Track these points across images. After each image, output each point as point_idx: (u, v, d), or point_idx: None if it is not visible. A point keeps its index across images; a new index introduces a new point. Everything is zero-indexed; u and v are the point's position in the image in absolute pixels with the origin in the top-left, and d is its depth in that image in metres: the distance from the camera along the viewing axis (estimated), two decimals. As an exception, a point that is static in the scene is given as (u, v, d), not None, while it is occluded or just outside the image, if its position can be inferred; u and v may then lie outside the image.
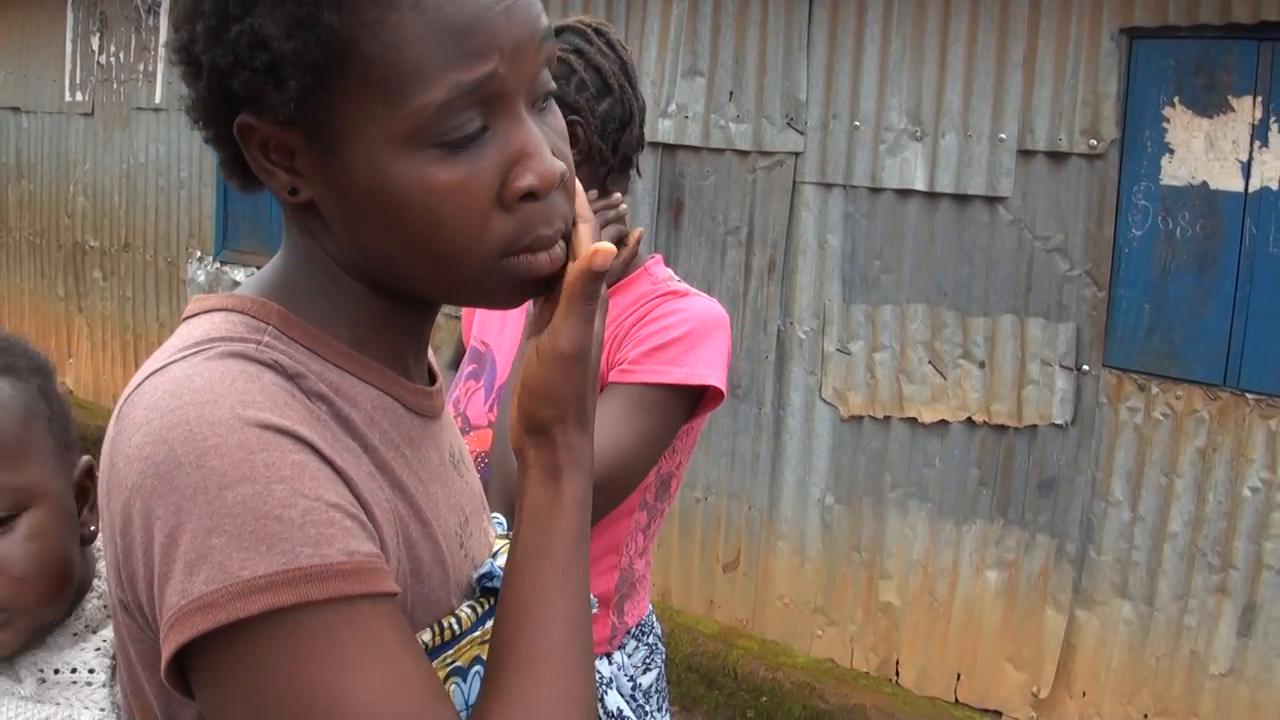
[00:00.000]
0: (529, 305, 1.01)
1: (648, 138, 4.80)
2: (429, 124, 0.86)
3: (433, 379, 1.09)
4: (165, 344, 0.94)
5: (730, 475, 4.90)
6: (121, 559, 0.85)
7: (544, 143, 0.92)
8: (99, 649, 1.18)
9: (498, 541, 1.14)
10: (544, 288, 0.97)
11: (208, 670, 0.81)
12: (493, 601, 1.02)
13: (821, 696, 4.48)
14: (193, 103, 0.92)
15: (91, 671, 1.16)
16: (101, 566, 1.27)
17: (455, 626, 0.98)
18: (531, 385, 0.96)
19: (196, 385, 0.84)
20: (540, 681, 0.90)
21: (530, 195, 0.91)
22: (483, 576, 1.04)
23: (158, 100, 7.22)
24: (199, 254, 7.01)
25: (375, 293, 0.97)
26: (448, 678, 0.97)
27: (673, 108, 4.84)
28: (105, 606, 1.23)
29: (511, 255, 0.92)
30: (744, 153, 4.72)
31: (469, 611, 1.01)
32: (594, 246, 0.94)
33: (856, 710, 4.40)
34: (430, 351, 1.11)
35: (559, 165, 0.92)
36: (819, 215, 4.59)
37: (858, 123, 4.47)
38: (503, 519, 1.23)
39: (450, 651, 0.98)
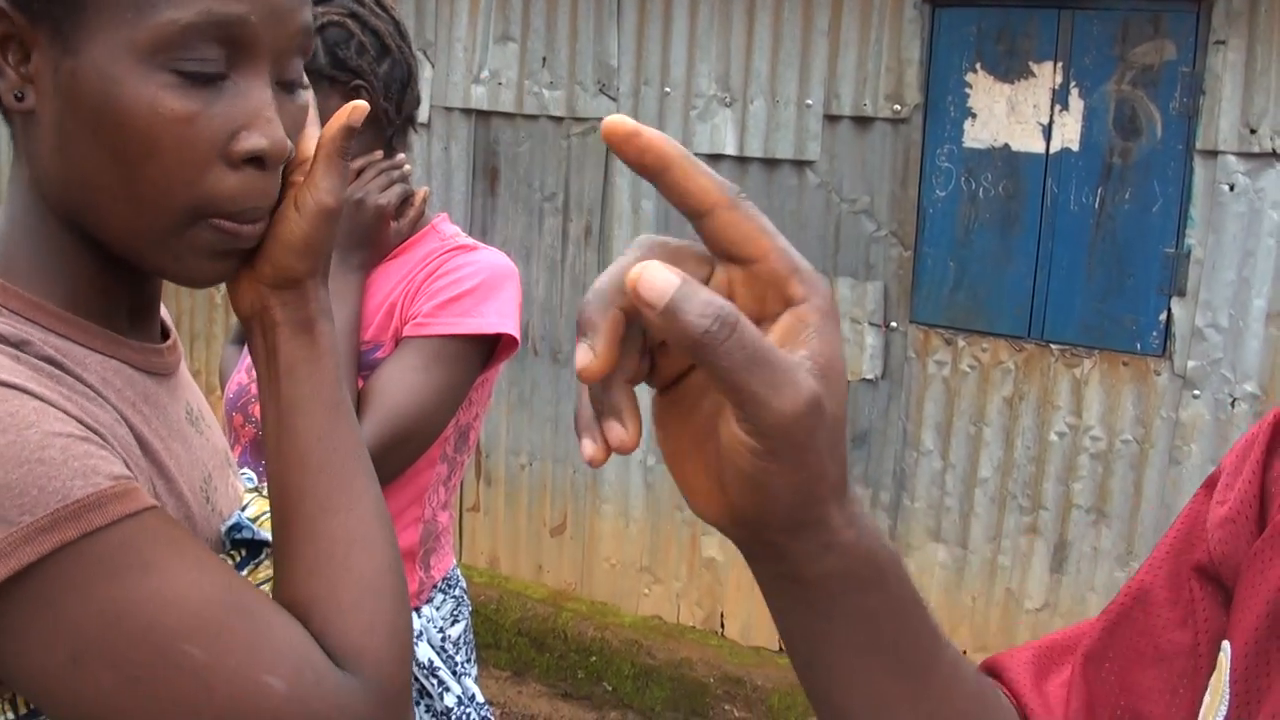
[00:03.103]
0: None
1: (461, 104, 4.64)
2: (171, 42, 0.82)
3: (166, 336, 1.03)
4: None
5: (554, 440, 4.71)
6: None
7: (278, 114, 0.88)
8: None
9: (247, 495, 1.10)
10: (231, 268, 0.92)
11: (3, 623, 0.78)
12: (243, 553, 1.02)
13: (649, 653, 4.37)
14: None
15: None
16: None
17: None
18: (289, 240, 0.90)
19: None
20: (343, 517, 0.90)
21: (257, 160, 0.86)
22: (231, 529, 1.01)
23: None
24: None
25: (83, 242, 0.90)
26: None
27: (485, 74, 4.58)
28: None
29: (222, 216, 0.87)
30: (558, 119, 4.50)
31: None
32: (353, 103, 0.90)
33: (684, 663, 4.31)
34: (165, 311, 1.06)
35: (289, 142, 0.88)
36: (633, 180, 4.40)
37: (668, 89, 4.32)
38: (253, 474, 1.19)
39: None
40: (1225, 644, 0.64)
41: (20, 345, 0.84)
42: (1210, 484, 0.73)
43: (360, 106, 0.90)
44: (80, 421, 0.81)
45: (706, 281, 0.59)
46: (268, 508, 1.05)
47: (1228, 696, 0.61)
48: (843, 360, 0.58)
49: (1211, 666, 0.67)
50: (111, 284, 0.94)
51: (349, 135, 0.90)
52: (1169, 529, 0.76)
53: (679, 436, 0.63)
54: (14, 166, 0.92)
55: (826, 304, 0.59)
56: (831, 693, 0.70)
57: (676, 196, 0.58)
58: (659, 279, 0.51)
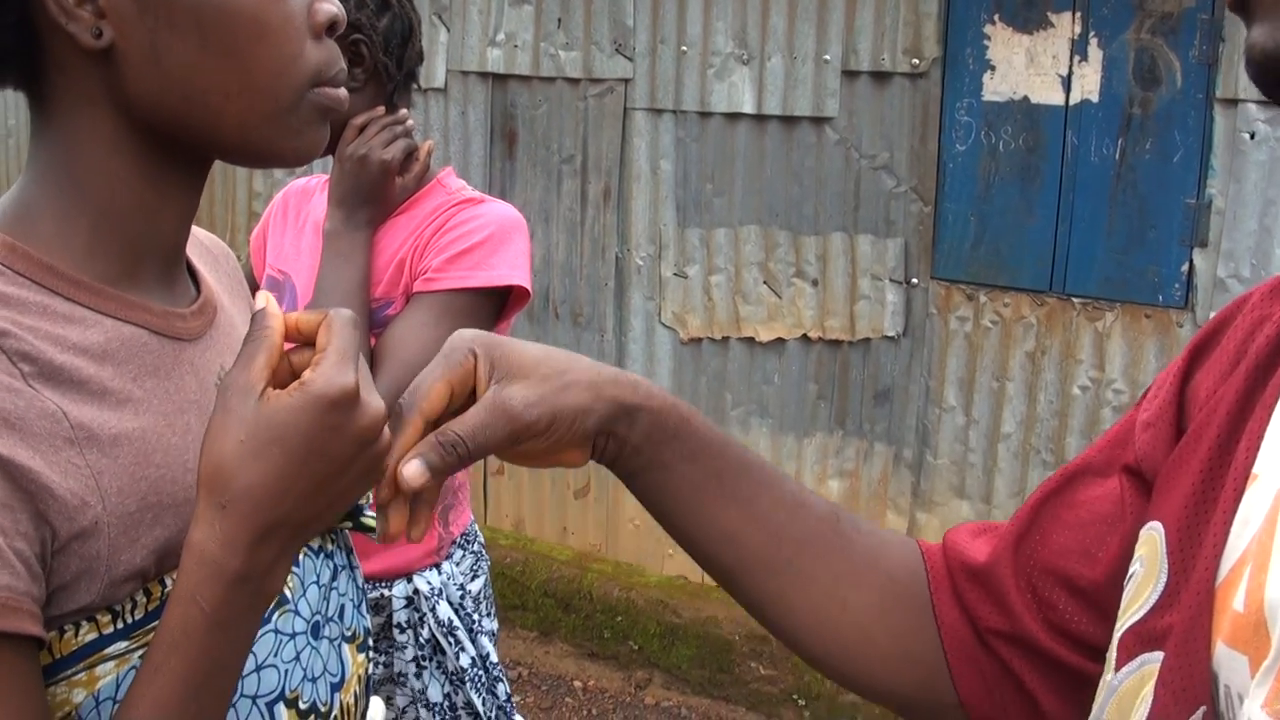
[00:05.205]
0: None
1: (478, 68, 4.65)
2: None
3: (199, 295, 1.00)
4: None
5: (575, 402, 4.75)
6: None
7: None
8: None
9: None
10: (328, 134, 0.96)
11: None
12: None
13: (675, 611, 4.41)
14: None
15: None
16: None
17: None
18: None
19: None
20: None
21: (331, 29, 0.92)
22: None
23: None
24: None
25: (146, 169, 0.89)
26: None
27: (501, 36, 4.59)
28: None
29: (318, 86, 0.91)
30: (574, 80, 4.50)
31: None
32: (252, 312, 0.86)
33: (709, 621, 4.35)
34: (202, 269, 1.04)
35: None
36: (651, 141, 4.43)
37: (685, 47, 4.32)
38: None
39: None
40: (1155, 525, 0.75)
41: None
42: (1140, 400, 0.87)
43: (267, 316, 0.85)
44: (7, 470, 0.76)
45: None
46: None
47: (1166, 568, 0.72)
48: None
49: (1131, 544, 0.79)
50: (139, 244, 0.92)
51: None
52: (1107, 431, 0.89)
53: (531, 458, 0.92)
54: (43, 132, 0.90)
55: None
56: (695, 540, 0.95)
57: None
58: (409, 472, 0.81)
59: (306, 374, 0.79)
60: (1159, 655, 0.68)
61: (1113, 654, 0.73)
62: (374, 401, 0.80)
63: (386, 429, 0.82)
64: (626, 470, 0.94)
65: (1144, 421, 0.83)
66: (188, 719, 0.78)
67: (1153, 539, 0.74)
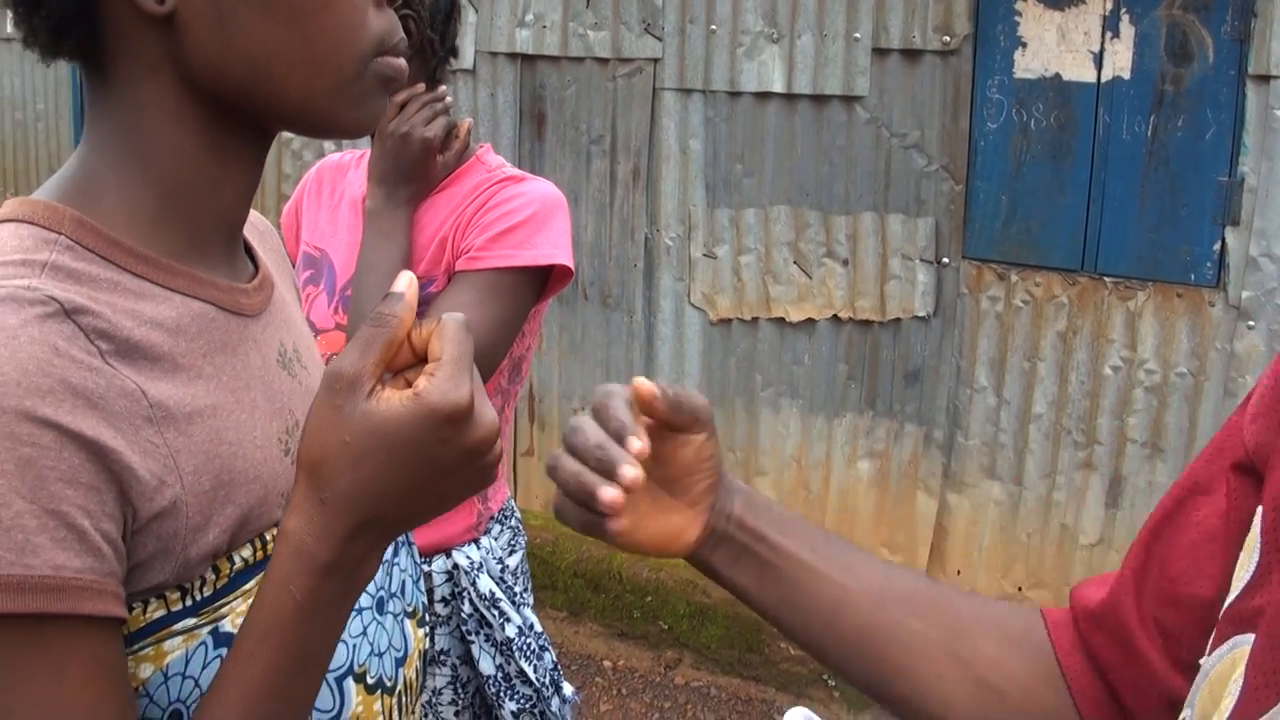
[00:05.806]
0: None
1: (506, 49, 4.67)
2: None
3: (258, 271, 1.00)
4: None
5: (606, 384, 4.76)
6: None
7: None
8: None
9: None
10: (387, 103, 0.95)
11: None
12: None
13: (704, 592, 4.44)
14: None
15: None
16: None
17: None
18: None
19: None
20: None
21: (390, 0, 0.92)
22: None
23: (9, 30, 6.65)
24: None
25: (209, 140, 0.89)
26: None
27: (530, 17, 4.60)
28: None
29: (381, 55, 0.90)
30: (603, 60, 4.51)
31: None
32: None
33: (738, 602, 4.36)
34: (258, 245, 1.04)
35: None
36: (680, 121, 4.44)
37: (714, 26, 4.32)
38: None
39: None
40: (1259, 509, 0.73)
41: (74, 314, 0.78)
42: (1244, 404, 0.84)
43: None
44: (93, 450, 0.76)
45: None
46: None
47: (1259, 549, 0.70)
48: None
49: (1241, 538, 0.76)
50: (204, 219, 0.91)
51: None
52: (1210, 442, 0.86)
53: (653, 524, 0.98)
54: (103, 103, 0.89)
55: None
56: (804, 624, 0.99)
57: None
58: (643, 386, 0.92)
59: (420, 382, 0.77)
60: (1250, 637, 0.66)
61: (1211, 638, 0.72)
62: (488, 414, 0.79)
63: (500, 442, 0.82)
64: (731, 551, 0.99)
65: (1251, 415, 0.81)
66: (277, 706, 0.80)
67: (1254, 525, 0.73)
